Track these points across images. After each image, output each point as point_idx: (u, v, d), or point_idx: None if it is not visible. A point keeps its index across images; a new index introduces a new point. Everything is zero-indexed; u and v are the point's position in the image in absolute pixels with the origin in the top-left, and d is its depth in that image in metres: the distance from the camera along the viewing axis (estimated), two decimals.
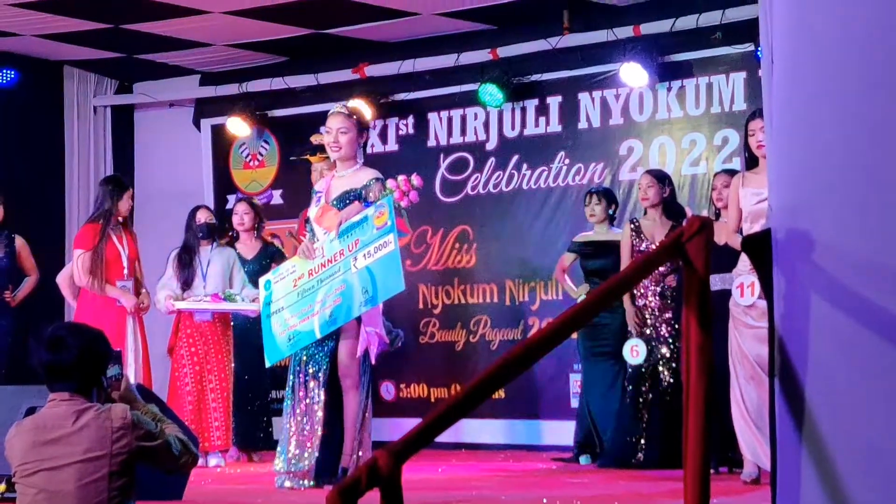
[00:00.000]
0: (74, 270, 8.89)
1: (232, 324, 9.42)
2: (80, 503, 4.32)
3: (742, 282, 6.93)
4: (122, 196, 8.94)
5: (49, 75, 12.62)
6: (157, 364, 9.27)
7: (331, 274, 6.94)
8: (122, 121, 13.21)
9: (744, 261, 6.87)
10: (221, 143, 12.56)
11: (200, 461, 8.28)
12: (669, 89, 10.36)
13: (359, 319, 6.95)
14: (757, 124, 6.90)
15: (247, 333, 9.37)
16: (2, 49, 12.07)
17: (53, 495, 4.35)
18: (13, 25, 11.26)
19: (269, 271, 8.42)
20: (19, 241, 9.67)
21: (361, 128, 7.29)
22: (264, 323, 7.26)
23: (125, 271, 8.94)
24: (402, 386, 11.30)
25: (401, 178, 7.32)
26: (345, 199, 7.08)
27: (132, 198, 9.08)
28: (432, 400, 11.09)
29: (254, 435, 9.79)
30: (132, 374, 8.62)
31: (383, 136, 11.61)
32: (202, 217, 9.40)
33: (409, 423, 10.57)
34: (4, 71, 12.13)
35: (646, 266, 3.64)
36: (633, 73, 10.19)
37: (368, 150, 7.58)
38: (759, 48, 7.88)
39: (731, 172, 8.01)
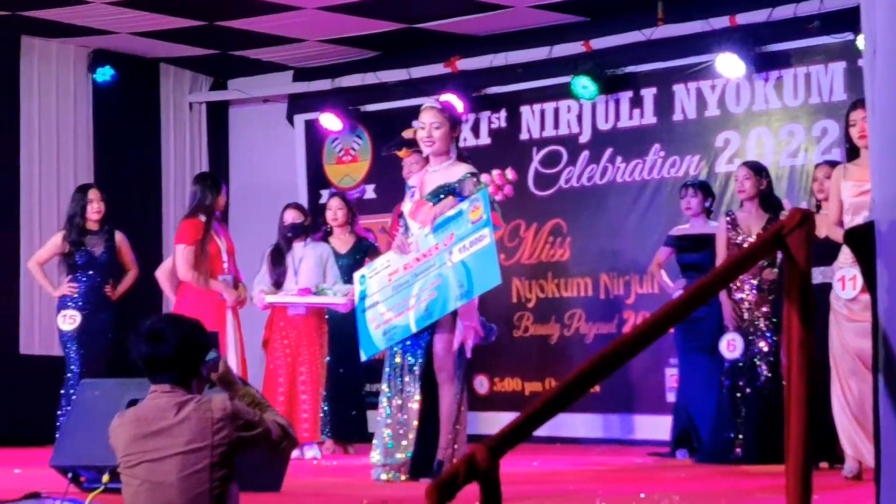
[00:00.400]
0: (178, 265, 8.95)
1: (327, 318, 9.46)
2: (182, 493, 4.38)
3: (843, 275, 6.82)
4: (219, 191, 9.03)
5: (145, 73, 12.77)
6: (253, 358, 9.34)
7: (426, 268, 6.94)
8: (217, 117, 13.33)
9: (845, 253, 6.76)
10: (314, 139, 12.62)
11: (296, 453, 8.35)
12: (766, 80, 10.24)
13: (454, 313, 6.95)
14: (858, 115, 6.78)
15: (342, 327, 9.42)
16: (99, 47, 12.22)
17: (156, 486, 4.41)
18: (110, 24, 11.40)
19: (363, 266, 8.45)
20: (119, 237, 9.77)
21: (454, 122, 7.28)
22: (359, 317, 7.28)
23: (225, 266, 9.02)
24: (496, 380, 11.29)
25: (495, 172, 7.31)
26: (439, 194, 7.07)
27: (227, 193, 9.15)
28: (526, 394, 11.07)
29: (349, 428, 9.84)
30: (234, 366, 8.68)
31: (475, 130, 11.60)
32: (289, 217, 9.44)
33: (503, 417, 10.68)
34: (102, 69, 12.28)
35: (745, 260, 3.59)
36: (729, 64, 10.09)
37: (460, 144, 7.53)
38: (860, 37, 7.76)
39: (833, 164, 7.88)
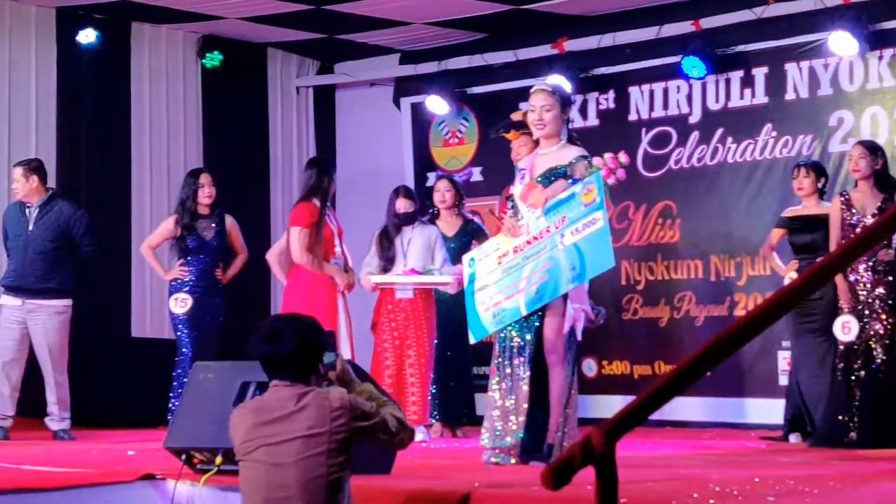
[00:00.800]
0: (292, 247, 8.96)
1: (435, 300, 9.45)
2: (298, 475, 4.44)
3: None
4: (332, 175, 9.07)
5: (253, 58, 12.85)
6: (360, 341, 9.35)
7: (537, 251, 6.90)
8: (324, 101, 13.39)
9: None
10: (421, 122, 12.62)
11: None
12: (881, 58, 10.04)
13: (564, 296, 6.90)
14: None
15: (450, 310, 9.41)
16: (208, 32, 12.33)
17: (274, 467, 4.49)
18: (219, 9, 11.49)
19: (470, 248, 8.44)
20: (229, 221, 9.84)
21: (565, 104, 7.23)
22: (468, 300, 7.25)
23: (337, 249, 9.05)
24: (605, 363, 11.22)
25: (608, 155, 7.28)
26: (549, 177, 7.02)
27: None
28: (635, 377, 10.99)
29: (457, 410, 9.84)
30: (346, 349, 8.71)
31: (583, 112, 11.52)
32: (401, 206, 9.42)
33: (611, 401, 10.61)
34: (211, 54, 12.38)
35: (864, 241, 3.50)
36: (842, 42, 9.91)
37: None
38: None
39: None
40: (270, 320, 4.69)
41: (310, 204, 8.95)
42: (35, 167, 9.81)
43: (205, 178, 9.75)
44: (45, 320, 9.65)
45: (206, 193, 9.68)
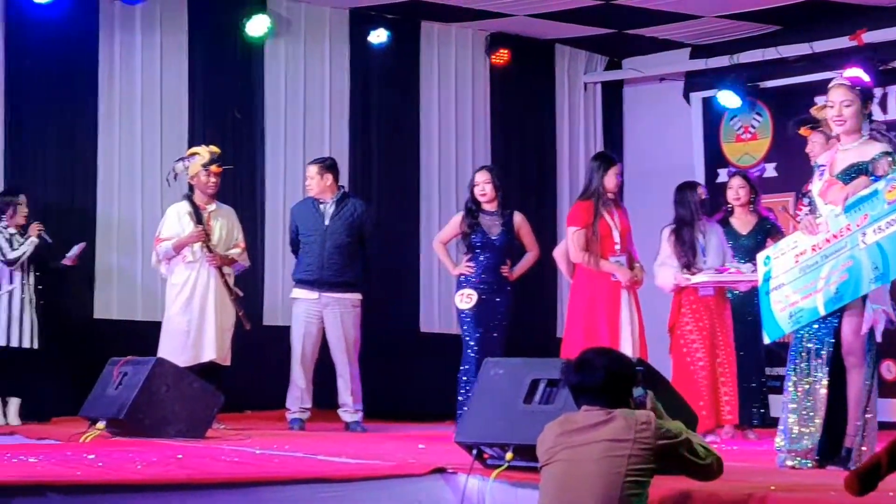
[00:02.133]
0: (569, 247, 8.97)
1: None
2: (599, 472, 4.54)
3: None
4: (607, 171, 8.94)
5: (541, 54, 12.87)
6: (654, 341, 9.22)
7: (836, 249, 6.66)
8: (612, 96, 13.30)
9: None
10: (712, 116, 12.42)
11: None
12: None
13: (864, 296, 6.65)
14: None
15: (741, 309, 9.22)
16: (496, 30, 12.40)
17: (574, 463, 4.59)
18: (507, 6, 11.55)
19: (764, 247, 8.22)
20: (518, 218, 9.84)
21: (865, 98, 6.95)
22: (763, 299, 7.05)
23: (617, 246, 8.94)
24: None
25: None
26: (850, 173, 6.77)
27: (620, 174, 9.04)
28: None
29: (749, 412, 9.62)
30: (628, 347, 8.62)
31: (883, 105, 11.13)
32: (703, 193, 9.27)
33: None
34: (499, 52, 12.45)
35: None
36: None
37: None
38: None
39: None
40: (582, 352, 4.82)
41: (586, 203, 8.91)
42: (329, 165, 10.02)
43: (480, 176, 9.75)
44: (342, 313, 9.86)
45: (479, 191, 9.69)
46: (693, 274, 9.06)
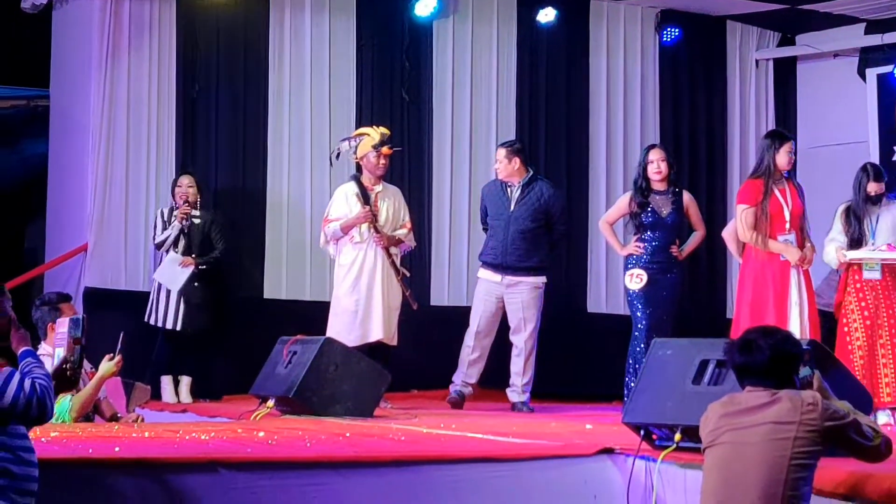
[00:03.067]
0: (738, 226, 8.83)
1: None
2: (763, 454, 4.48)
3: None
4: (779, 149, 8.75)
5: (711, 31, 12.69)
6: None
7: None
8: (785, 73, 13.05)
9: None
10: (888, 93, 12.10)
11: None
12: None
13: None
14: None
15: None
16: (667, 7, 12.25)
17: (738, 446, 4.55)
18: None
19: None
20: (686, 197, 9.73)
21: None
22: None
23: (787, 225, 8.76)
24: None
25: None
26: None
27: (793, 151, 8.84)
28: None
29: None
30: (796, 328, 8.43)
31: None
32: (872, 189, 8.95)
33: None
34: (669, 29, 12.31)
35: None
36: None
37: None
38: None
39: None
40: (745, 332, 4.78)
41: (756, 181, 8.75)
42: (518, 149, 10.01)
43: (654, 154, 9.65)
44: (523, 296, 9.83)
45: (654, 169, 9.58)
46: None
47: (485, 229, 10.16)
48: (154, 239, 10.22)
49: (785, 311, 8.60)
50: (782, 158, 8.74)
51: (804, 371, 4.68)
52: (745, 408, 4.57)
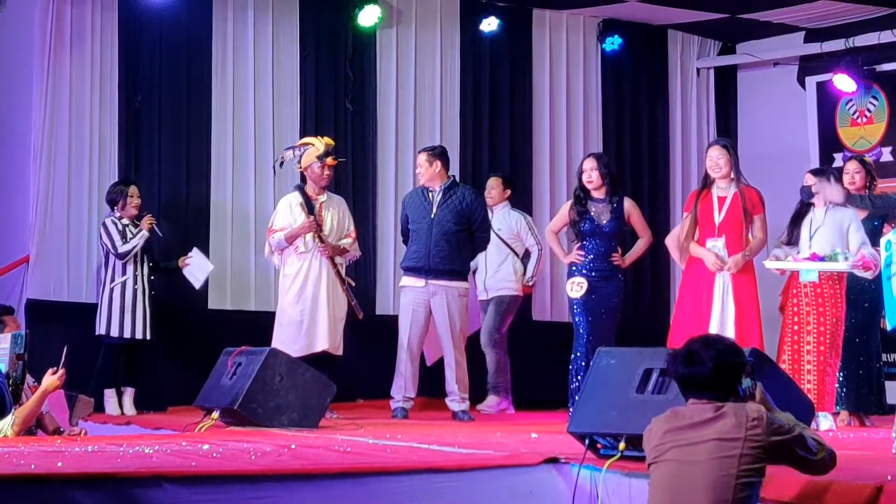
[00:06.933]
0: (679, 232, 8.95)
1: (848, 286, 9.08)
2: (708, 473, 4.45)
3: None
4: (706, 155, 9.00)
5: (653, 40, 12.76)
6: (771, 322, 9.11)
7: None
8: (725, 82, 13.17)
9: None
10: (827, 101, 12.23)
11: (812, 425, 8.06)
12: None
13: None
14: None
15: (858, 296, 9.05)
16: (608, 16, 12.32)
17: (684, 465, 4.50)
18: None
19: (882, 232, 8.07)
20: (628, 204, 9.76)
21: None
22: (885, 285, 6.91)
23: (716, 230, 8.88)
24: None
25: None
26: None
27: (722, 156, 8.94)
28: None
29: (866, 399, 9.45)
30: (716, 331, 8.49)
31: None
32: (808, 180, 9.10)
33: None
34: (611, 38, 12.38)
35: None
36: None
37: None
38: None
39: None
40: (688, 342, 4.70)
41: (696, 190, 8.93)
42: (438, 153, 10.01)
43: (587, 164, 9.69)
44: (448, 301, 9.82)
45: (586, 178, 9.62)
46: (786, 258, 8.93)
47: (405, 241, 10.11)
48: (116, 249, 10.11)
49: (706, 314, 8.73)
50: (706, 163, 8.93)
51: (746, 382, 4.66)
52: (690, 423, 4.53)
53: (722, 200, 8.88)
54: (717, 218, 8.86)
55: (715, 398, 4.55)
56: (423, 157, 9.99)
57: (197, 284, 10.38)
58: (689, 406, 4.60)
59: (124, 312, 10.04)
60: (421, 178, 10.01)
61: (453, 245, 9.83)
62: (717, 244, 8.83)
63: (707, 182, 8.89)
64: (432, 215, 9.86)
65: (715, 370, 4.54)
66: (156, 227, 10.18)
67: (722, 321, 8.73)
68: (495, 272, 10.88)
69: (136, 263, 10.13)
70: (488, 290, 10.91)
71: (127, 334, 10.03)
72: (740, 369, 4.61)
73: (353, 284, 10.05)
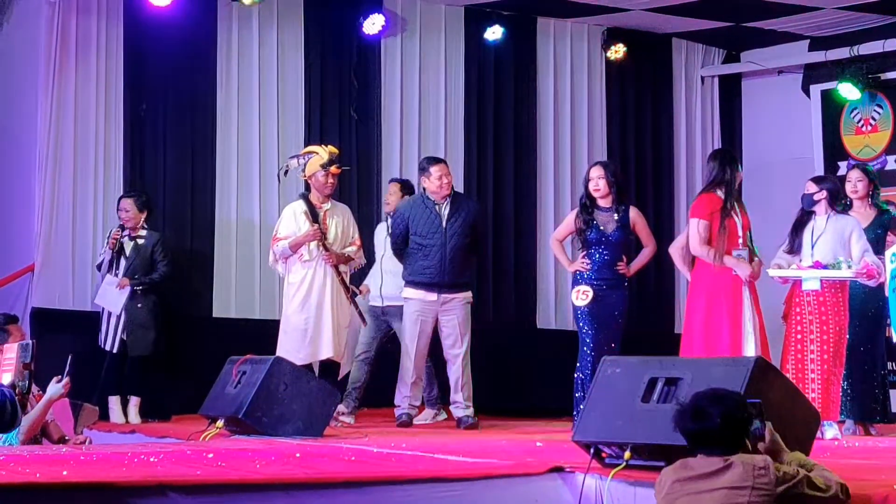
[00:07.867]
0: (691, 239, 8.82)
1: (851, 294, 9.07)
2: None
3: None
4: (738, 167, 8.85)
5: (657, 48, 12.77)
6: (775, 331, 9.09)
7: None
8: (730, 90, 13.17)
9: None
10: (831, 109, 12.24)
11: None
12: None
13: None
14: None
15: (863, 305, 9.04)
16: (612, 25, 12.32)
17: None
18: (623, 1, 11.47)
19: (885, 240, 8.07)
20: (633, 213, 9.72)
21: None
22: (891, 297, 6.94)
23: (740, 240, 8.80)
24: None
25: None
26: None
27: (741, 168, 8.95)
28: None
29: (870, 408, 9.44)
30: (750, 345, 8.47)
31: None
32: (810, 188, 9.09)
33: None
34: (615, 47, 12.39)
35: None
36: None
37: None
38: None
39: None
40: (694, 397, 4.80)
41: (711, 195, 8.75)
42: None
43: (594, 172, 9.62)
44: (458, 312, 9.83)
45: (593, 186, 9.56)
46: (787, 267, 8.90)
47: (400, 251, 10.01)
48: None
49: (739, 326, 8.62)
50: (738, 175, 8.83)
51: (755, 424, 4.74)
52: (699, 474, 4.62)
53: (734, 210, 8.81)
54: (740, 229, 8.77)
55: (724, 452, 4.64)
56: (445, 168, 9.96)
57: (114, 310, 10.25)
58: (699, 458, 4.68)
59: (125, 324, 10.06)
60: (444, 188, 9.87)
61: (464, 258, 9.86)
62: (743, 254, 8.76)
63: (730, 190, 8.76)
64: (444, 229, 9.82)
65: (723, 426, 4.64)
66: (123, 240, 10.10)
67: (755, 332, 8.68)
68: (392, 279, 10.59)
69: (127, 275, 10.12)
70: (384, 297, 10.69)
71: (124, 348, 10.05)
72: (748, 423, 4.72)
73: (358, 292, 10.05)
